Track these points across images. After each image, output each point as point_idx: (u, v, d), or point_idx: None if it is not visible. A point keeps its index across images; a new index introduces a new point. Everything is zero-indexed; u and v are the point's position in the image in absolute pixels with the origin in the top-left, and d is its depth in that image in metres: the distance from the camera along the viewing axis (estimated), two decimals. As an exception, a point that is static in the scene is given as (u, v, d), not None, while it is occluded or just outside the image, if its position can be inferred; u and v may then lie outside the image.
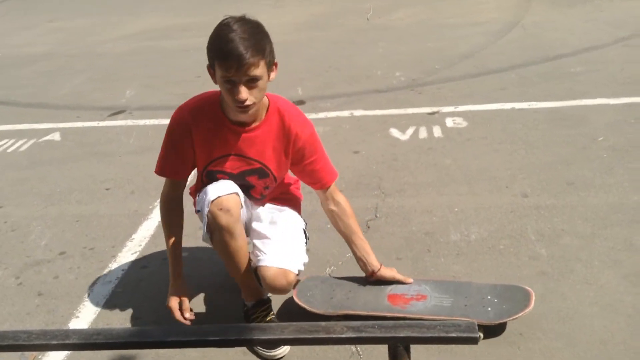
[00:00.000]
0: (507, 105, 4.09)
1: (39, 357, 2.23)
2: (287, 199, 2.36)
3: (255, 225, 2.20)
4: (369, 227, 2.84)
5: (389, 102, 4.41)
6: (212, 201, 1.96)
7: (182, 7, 9.10)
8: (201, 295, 2.47)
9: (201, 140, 2.04)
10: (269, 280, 2.05)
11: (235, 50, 1.80)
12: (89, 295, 2.56)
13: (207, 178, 2.12)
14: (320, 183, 2.17)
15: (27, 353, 2.19)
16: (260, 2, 8.69)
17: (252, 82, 1.85)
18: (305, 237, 2.27)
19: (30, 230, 3.13)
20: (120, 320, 2.38)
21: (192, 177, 2.20)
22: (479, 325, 2.02)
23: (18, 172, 3.85)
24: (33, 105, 5.19)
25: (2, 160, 4.07)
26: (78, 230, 3.06)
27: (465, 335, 1.71)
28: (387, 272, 2.27)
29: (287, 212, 2.30)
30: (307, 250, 2.27)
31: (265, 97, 2.01)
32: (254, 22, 1.93)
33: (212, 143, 2.04)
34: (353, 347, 2.12)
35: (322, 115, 4.31)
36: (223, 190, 1.99)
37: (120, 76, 5.75)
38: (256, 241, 2.15)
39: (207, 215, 1.99)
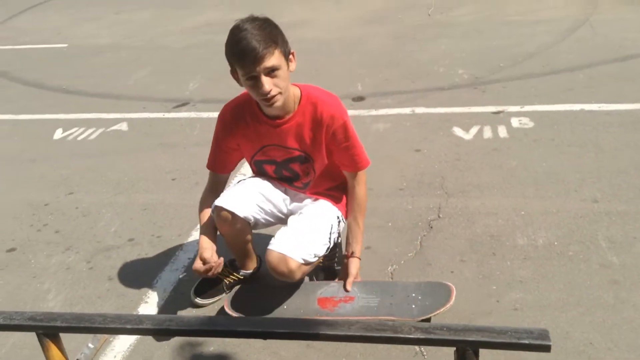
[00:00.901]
0: (576, 107, 3.97)
1: (110, 339, 2.32)
2: (330, 195, 2.38)
3: (289, 218, 2.30)
4: (431, 227, 2.82)
5: (452, 100, 4.35)
6: (216, 205, 2.20)
7: (242, 2, 9.20)
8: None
9: (243, 136, 2.22)
10: (270, 264, 2.13)
11: (248, 46, 1.91)
12: (157, 281, 2.64)
13: (255, 167, 2.34)
14: (353, 166, 2.24)
15: (98, 335, 2.28)
16: (319, -2, 8.72)
17: (271, 73, 1.96)
18: (333, 231, 2.30)
19: (100, 216, 3.24)
20: (187, 307, 2.44)
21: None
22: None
23: (88, 160, 3.99)
24: (100, 95, 5.36)
25: (73, 148, 4.23)
26: (145, 219, 3.16)
27: (537, 342, 1.69)
28: (351, 266, 2.29)
29: (320, 204, 2.34)
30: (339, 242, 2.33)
31: (296, 88, 2.13)
32: (261, 18, 2.04)
33: (253, 137, 2.21)
34: (417, 348, 2.11)
35: (382, 112, 4.29)
36: (230, 203, 2.19)
37: (183, 69, 5.87)
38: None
39: (212, 211, 2.23)
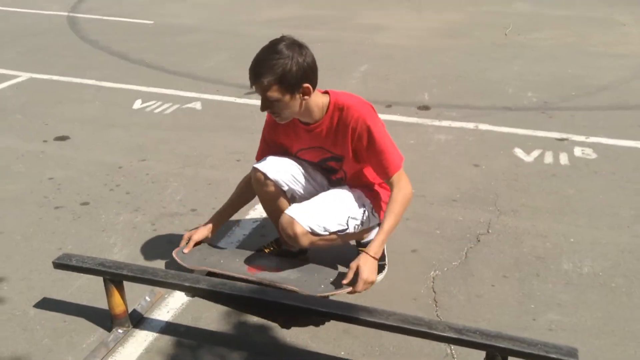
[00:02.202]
0: (642, 145, 3.94)
1: (165, 296, 2.51)
2: (368, 188, 2.49)
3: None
4: (479, 241, 2.89)
5: (517, 121, 4.38)
6: (254, 166, 2.44)
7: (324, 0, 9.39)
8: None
9: (284, 135, 2.44)
10: (280, 225, 2.33)
11: (250, 72, 2.15)
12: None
13: (297, 162, 2.52)
14: (383, 172, 2.30)
15: (155, 289, 2.48)
16: (400, 4, 8.81)
17: (270, 102, 2.17)
18: (354, 217, 2.40)
19: (167, 184, 3.47)
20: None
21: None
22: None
23: (161, 132, 4.24)
24: (178, 74, 5.64)
25: (149, 119, 4.50)
26: (209, 192, 3.36)
27: (564, 358, 1.77)
28: (360, 261, 2.20)
29: (353, 191, 2.45)
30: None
31: (326, 96, 2.29)
32: (288, 44, 2.15)
33: (292, 139, 2.43)
34: (448, 349, 2.20)
35: (445, 123, 4.37)
36: (265, 165, 2.42)
37: (259, 58, 6.09)
38: None
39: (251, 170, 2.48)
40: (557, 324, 2.32)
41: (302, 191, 2.49)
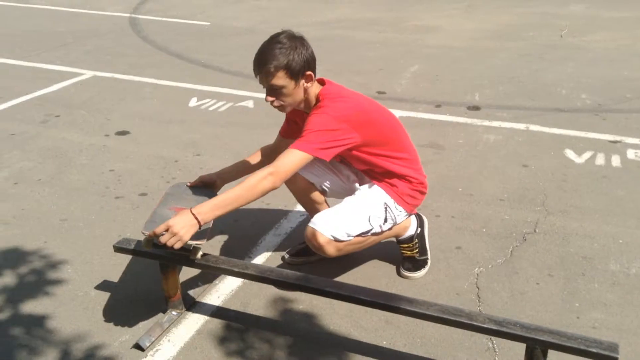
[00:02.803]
0: (700, 148, 3.84)
1: (216, 282, 2.63)
2: (386, 181, 2.50)
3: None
4: (525, 240, 2.90)
5: (569, 123, 4.33)
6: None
7: (375, 1, 9.44)
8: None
9: (298, 119, 2.52)
10: (305, 237, 2.37)
11: (255, 59, 2.24)
12: (261, 242, 2.93)
13: None
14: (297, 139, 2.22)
15: (207, 275, 2.60)
16: (451, 6, 8.78)
17: (276, 90, 2.25)
18: (377, 216, 2.42)
19: (220, 178, 3.60)
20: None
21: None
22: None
23: (215, 129, 4.40)
24: (232, 73, 5.81)
25: (204, 116, 4.67)
26: (259, 187, 3.47)
27: (605, 353, 1.79)
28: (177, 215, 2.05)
29: (372, 190, 2.49)
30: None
31: (319, 87, 2.34)
32: (288, 35, 2.26)
33: (299, 123, 2.48)
34: (490, 343, 2.24)
35: (495, 124, 4.36)
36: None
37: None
38: None
39: None
40: (601, 323, 2.32)
41: (329, 183, 2.60)
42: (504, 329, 1.92)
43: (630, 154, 3.79)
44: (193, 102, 4.99)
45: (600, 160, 3.72)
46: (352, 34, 7.37)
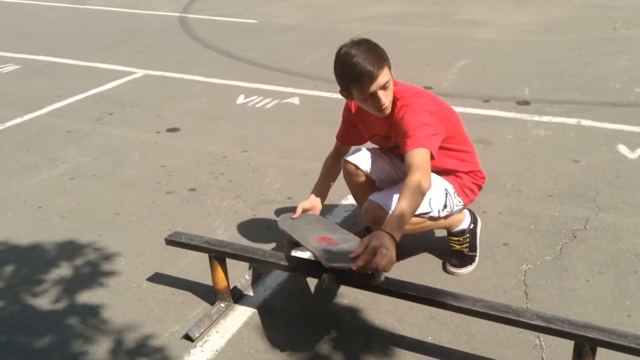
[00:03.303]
0: None
1: (263, 276, 2.68)
2: (445, 171, 2.53)
3: None
4: (575, 237, 2.84)
5: (622, 117, 4.20)
6: (344, 159, 2.59)
7: (422, -5, 9.35)
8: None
9: (360, 121, 2.55)
10: (363, 210, 2.46)
11: (364, 69, 2.16)
12: (307, 237, 2.97)
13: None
14: (403, 149, 2.22)
15: (255, 269, 2.66)
16: (500, 0, 8.61)
17: (385, 88, 2.23)
18: (437, 200, 2.44)
19: (267, 174, 3.67)
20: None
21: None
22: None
23: (262, 125, 4.47)
24: (279, 70, 5.87)
25: (251, 113, 4.74)
26: (304, 182, 3.51)
27: (657, 351, 1.74)
28: (371, 236, 1.95)
29: (435, 176, 2.46)
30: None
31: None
32: (363, 40, 2.26)
33: (368, 125, 2.53)
34: (537, 340, 2.21)
35: (545, 119, 4.27)
36: (356, 157, 2.57)
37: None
38: None
39: (341, 165, 2.63)
40: (654, 322, 2.26)
41: (388, 178, 2.61)
42: (552, 326, 1.89)
43: (688, 149, 3.66)
44: (240, 99, 5.07)
45: (655, 155, 3.61)
46: (397, 28, 7.33)
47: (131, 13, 9.09)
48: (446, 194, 2.49)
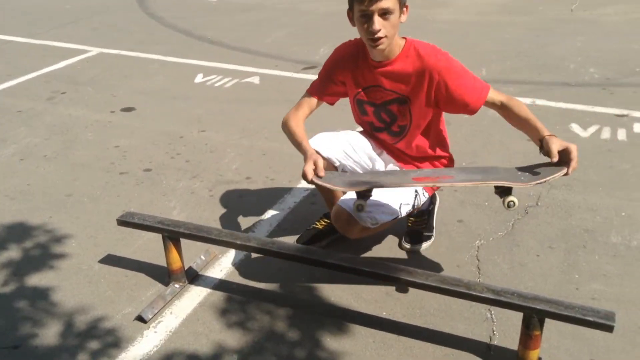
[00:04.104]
0: None
1: (219, 256, 2.66)
2: (418, 167, 2.49)
3: None
4: (527, 213, 2.90)
5: (576, 97, 4.29)
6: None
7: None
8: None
9: (350, 72, 2.36)
10: (333, 214, 2.36)
11: None
12: (265, 216, 2.95)
13: (357, 106, 2.46)
14: (471, 105, 2.23)
15: (210, 249, 2.63)
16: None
17: (384, 15, 2.08)
18: (406, 203, 2.39)
19: (225, 154, 3.62)
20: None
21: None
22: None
23: (221, 105, 4.41)
24: (239, 49, 5.79)
25: (210, 92, 4.67)
26: (263, 162, 3.49)
27: (601, 321, 1.80)
28: (554, 142, 2.01)
29: (398, 168, 2.46)
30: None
31: (403, 39, 2.25)
32: None
33: (359, 78, 2.35)
34: (488, 313, 2.25)
35: (502, 99, 4.32)
36: (317, 143, 2.39)
37: (317, 34, 6.18)
38: None
39: None
40: (601, 294, 2.33)
41: (353, 165, 2.51)
42: (502, 298, 1.93)
43: (637, 127, 3.75)
44: (199, 78, 4.99)
45: (605, 134, 3.69)
46: (359, 9, 7.28)
47: (87, -10, 8.82)
48: (415, 195, 2.43)
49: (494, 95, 2.24)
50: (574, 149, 1.98)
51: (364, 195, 2.13)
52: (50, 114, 4.30)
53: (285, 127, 2.46)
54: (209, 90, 4.73)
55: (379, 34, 2.11)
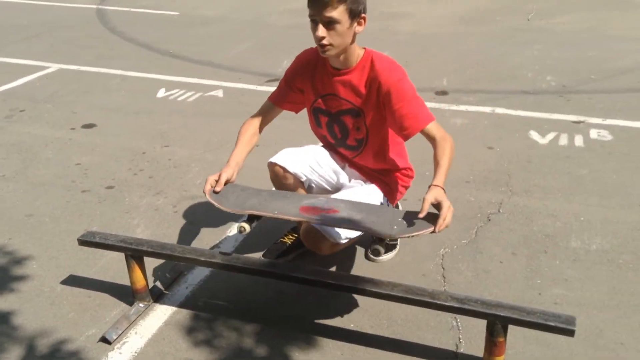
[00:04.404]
0: (660, 126, 3.92)
1: (184, 273, 2.63)
2: (381, 179, 2.51)
3: (335, 194, 2.42)
4: (489, 220, 2.95)
5: (534, 105, 4.39)
6: (270, 161, 2.44)
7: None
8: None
9: (309, 80, 2.37)
10: (302, 234, 2.32)
11: None
12: (230, 231, 2.94)
13: (313, 115, 2.46)
14: (407, 130, 2.21)
15: (175, 267, 2.60)
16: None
17: (330, 24, 2.09)
18: None
19: (189, 169, 3.60)
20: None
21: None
22: (379, 239, 2.03)
23: (184, 119, 4.38)
24: (202, 63, 5.77)
25: (172, 107, 4.64)
26: (228, 176, 3.47)
27: (562, 326, 1.84)
28: (431, 193, 2.03)
29: (367, 188, 2.47)
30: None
31: (362, 49, 2.27)
32: None
33: (317, 85, 2.36)
34: (454, 322, 2.28)
35: (462, 108, 4.40)
36: (283, 159, 2.42)
37: (280, 46, 6.19)
38: None
39: (267, 166, 2.48)
40: (562, 298, 2.38)
41: (318, 180, 2.52)
42: (466, 306, 1.95)
43: (593, 133, 3.87)
44: (161, 92, 4.94)
45: (563, 140, 3.79)
46: (322, 21, 7.33)
47: (45, 5, 8.67)
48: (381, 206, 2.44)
49: (433, 129, 2.20)
50: (445, 207, 1.98)
51: (253, 218, 2.19)
52: (9, 132, 4.20)
53: (239, 132, 2.49)
54: (171, 104, 4.69)
55: (323, 42, 2.13)
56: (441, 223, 1.97)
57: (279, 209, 2.17)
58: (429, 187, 2.07)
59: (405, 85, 2.22)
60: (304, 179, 2.46)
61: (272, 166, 2.44)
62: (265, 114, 2.50)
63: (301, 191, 2.50)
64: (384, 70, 2.22)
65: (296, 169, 2.42)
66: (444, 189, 2.07)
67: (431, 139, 2.21)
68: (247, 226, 2.17)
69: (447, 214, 1.98)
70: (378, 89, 2.23)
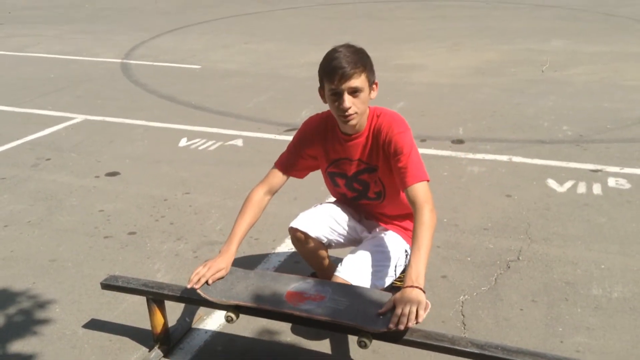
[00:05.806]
0: (678, 175, 3.92)
1: (204, 317, 2.65)
2: (401, 226, 2.53)
3: (358, 246, 2.48)
4: (509, 267, 2.94)
5: (551, 154, 4.42)
6: (291, 226, 2.46)
7: (361, 43, 9.64)
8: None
9: (321, 146, 2.42)
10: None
11: (339, 64, 2.15)
12: (249, 277, 2.96)
13: (330, 179, 2.52)
14: (402, 182, 2.24)
15: (195, 312, 2.62)
16: (436, 45, 8.98)
17: (354, 93, 2.18)
18: (399, 264, 2.43)
19: (209, 215, 3.65)
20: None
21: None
22: (366, 332, 1.96)
23: (205, 167, 4.47)
24: (222, 113, 5.91)
25: (194, 156, 4.74)
26: (247, 223, 3.51)
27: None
28: (402, 294, 2.00)
29: (389, 236, 2.48)
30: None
31: (367, 109, 2.32)
32: (357, 47, 2.25)
33: (329, 151, 2.42)
34: (475, 369, 2.25)
35: (479, 156, 4.45)
36: (303, 224, 2.44)
37: (298, 98, 6.33)
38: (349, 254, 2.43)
39: (289, 231, 2.50)
40: (585, 347, 2.35)
41: (338, 238, 2.55)
42: (486, 352, 1.94)
43: (611, 182, 3.87)
44: (183, 142, 5.06)
45: (581, 189, 3.80)
46: (339, 73, 7.50)
47: (72, 60, 8.99)
48: (406, 255, 2.45)
49: (421, 190, 2.19)
50: (398, 308, 1.94)
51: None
52: (35, 180, 4.32)
53: (244, 202, 2.47)
54: (193, 153, 4.80)
55: (349, 111, 2.20)
56: (393, 320, 1.93)
57: (265, 299, 2.16)
58: (406, 287, 2.00)
59: (406, 139, 2.28)
60: (325, 241, 2.51)
61: (293, 232, 2.47)
62: (273, 181, 2.50)
63: (323, 252, 2.54)
64: (387, 122, 2.30)
65: (317, 232, 2.46)
66: (417, 287, 2.01)
67: (412, 202, 2.19)
68: (234, 316, 2.17)
69: (400, 315, 1.92)
70: (382, 141, 2.30)
